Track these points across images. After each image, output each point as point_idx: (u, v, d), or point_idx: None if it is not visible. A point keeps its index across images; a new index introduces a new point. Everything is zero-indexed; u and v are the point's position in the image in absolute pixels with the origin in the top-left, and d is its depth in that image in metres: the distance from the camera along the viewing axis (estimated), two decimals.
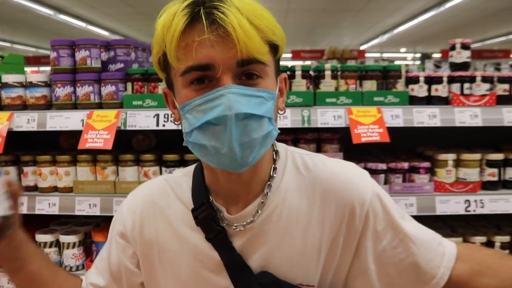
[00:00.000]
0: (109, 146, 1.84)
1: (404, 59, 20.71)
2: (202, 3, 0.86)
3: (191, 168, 1.12)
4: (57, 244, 2.14)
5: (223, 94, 0.84)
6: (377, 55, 19.96)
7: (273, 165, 1.03)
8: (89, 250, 2.18)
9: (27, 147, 2.37)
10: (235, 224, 1.00)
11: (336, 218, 1.00)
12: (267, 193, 1.00)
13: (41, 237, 2.12)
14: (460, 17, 12.54)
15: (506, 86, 1.99)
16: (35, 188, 2.14)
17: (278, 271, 0.99)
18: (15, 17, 11.37)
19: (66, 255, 2.11)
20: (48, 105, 2.09)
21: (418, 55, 19.00)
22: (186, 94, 0.89)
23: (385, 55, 20.25)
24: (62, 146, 2.28)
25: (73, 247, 2.11)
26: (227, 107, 0.83)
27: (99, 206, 2.00)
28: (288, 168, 1.04)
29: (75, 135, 2.28)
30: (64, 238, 2.10)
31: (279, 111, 0.98)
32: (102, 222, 2.26)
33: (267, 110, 0.89)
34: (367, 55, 16.66)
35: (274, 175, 1.02)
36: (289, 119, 1.92)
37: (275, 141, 1.05)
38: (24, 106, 2.10)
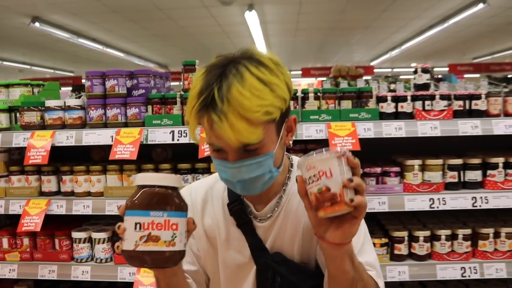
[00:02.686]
0: (134, 157, 2.28)
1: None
2: (209, 105, 1.08)
3: None
4: (90, 240, 2.57)
5: (227, 168, 1.16)
6: (388, 70, 20.23)
7: (288, 175, 1.36)
8: None
9: (63, 160, 2.82)
10: (259, 218, 1.35)
11: None
12: (282, 196, 1.34)
13: (76, 234, 2.55)
14: (467, 32, 12.83)
15: (461, 102, 2.38)
16: (71, 193, 2.58)
17: (284, 252, 1.33)
18: (35, 41, 11.94)
19: (97, 249, 2.54)
20: (83, 124, 2.55)
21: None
22: (211, 152, 1.21)
23: (396, 70, 20.51)
24: (93, 158, 2.73)
25: (103, 242, 2.54)
26: (231, 176, 1.16)
27: None
28: None
29: (104, 149, 2.73)
30: (96, 235, 2.54)
31: (287, 145, 1.27)
32: None
33: (265, 168, 1.17)
34: (376, 70, 16.97)
35: (288, 182, 1.35)
36: None
37: (291, 156, 1.42)
38: (63, 125, 2.56)
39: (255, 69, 1.09)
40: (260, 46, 13.31)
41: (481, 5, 8.65)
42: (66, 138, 2.48)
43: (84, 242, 2.55)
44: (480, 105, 2.38)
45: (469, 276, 2.38)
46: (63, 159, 2.82)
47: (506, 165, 2.41)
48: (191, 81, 2.53)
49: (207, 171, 2.45)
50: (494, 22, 11.30)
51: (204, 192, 1.43)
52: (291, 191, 1.35)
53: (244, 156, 1.13)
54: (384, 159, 2.70)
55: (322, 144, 2.48)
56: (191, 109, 1.12)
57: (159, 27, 11.15)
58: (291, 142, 1.27)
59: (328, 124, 2.33)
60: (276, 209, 1.33)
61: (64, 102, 2.56)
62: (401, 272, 2.37)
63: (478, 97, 2.38)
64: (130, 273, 2.45)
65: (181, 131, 2.38)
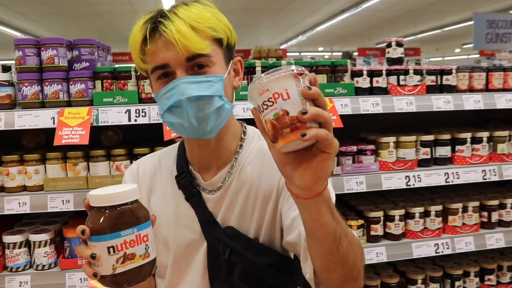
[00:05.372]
0: (86, 142, 1.90)
1: (322, 58, 21.65)
2: (153, 19, 1.11)
3: (176, 145, 1.37)
4: (27, 244, 2.14)
5: (177, 84, 1.08)
6: (296, 54, 20.65)
7: (240, 142, 1.28)
8: (59, 248, 2.21)
9: None
10: (208, 189, 1.25)
11: (274, 187, 1.23)
12: (233, 164, 1.25)
13: (10, 238, 2.11)
14: (373, 18, 13.42)
15: (433, 77, 2.33)
16: (1, 189, 2.13)
17: (238, 227, 1.23)
18: None
19: (38, 254, 2.12)
20: (12, 104, 2.09)
21: (335, 53, 20.04)
22: (156, 87, 1.15)
23: (304, 53, 20.98)
24: (25, 146, 2.27)
25: (45, 245, 2.12)
26: (181, 94, 1.08)
27: (72, 201, 2.06)
28: (252, 146, 1.29)
29: (39, 134, 2.29)
30: (35, 237, 2.11)
31: (236, 88, 1.23)
32: (70, 220, 2.30)
33: (216, 90, 1.11)
34: (288, 54, 17.21)
35: (240, 150, 1.27)
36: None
37: (245, 124, 1.31)
38: None
39: (197, 3, 1.14)
40: None
41: None
42: None
43: (20, 247, 2.12)
44: (451, 80, 2.34)
45: (442, 252, 2.37)
46: None
47: None
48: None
49: None
50: (399, 8, 11.92)
51: (153, 167, 1.36)
52: (244, 160, 1.26)
53: (193, 73, 1.11)
54: (351, 137, 2.59)
55: None
56: (136, 31, 1.12)
57: (64, 4, 10.16)
58: (240, 84, 1.25)
59: None
60: (226, 178, 1.25)
61: None
62: (379, 253, 2.28)
63: (449, 72, 2.35)
64: (81, 279, 2.09)
65: (139, 110, 2.04)
